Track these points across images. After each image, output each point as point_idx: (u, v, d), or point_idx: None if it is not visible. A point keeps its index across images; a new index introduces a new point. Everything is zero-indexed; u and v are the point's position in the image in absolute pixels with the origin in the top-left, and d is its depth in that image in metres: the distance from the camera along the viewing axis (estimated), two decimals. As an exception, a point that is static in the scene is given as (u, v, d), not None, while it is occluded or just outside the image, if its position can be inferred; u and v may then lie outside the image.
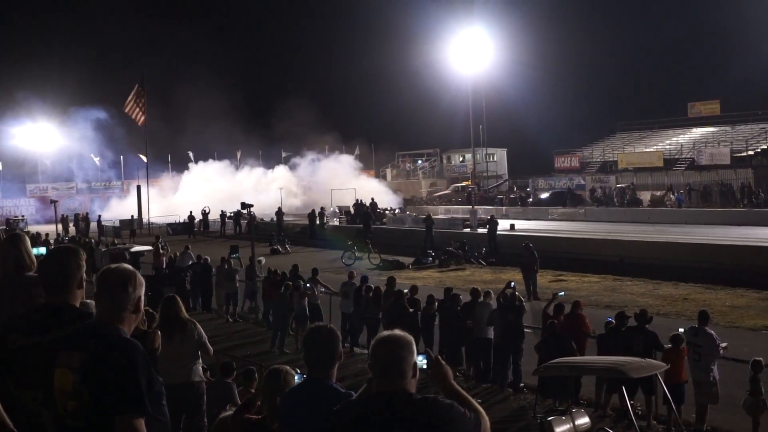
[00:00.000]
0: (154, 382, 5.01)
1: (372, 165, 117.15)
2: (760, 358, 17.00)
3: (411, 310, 23.55)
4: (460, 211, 78.72)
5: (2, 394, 5.53)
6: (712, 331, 18.15)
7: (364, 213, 66.10)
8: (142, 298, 5.32)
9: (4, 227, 67.19)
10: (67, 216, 76.60)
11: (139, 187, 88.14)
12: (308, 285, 28.51)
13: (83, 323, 5.25)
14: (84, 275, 5.73)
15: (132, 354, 4.94)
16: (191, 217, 77.11)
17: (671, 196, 74.61)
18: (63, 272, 5.57)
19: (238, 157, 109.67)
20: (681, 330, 18.38)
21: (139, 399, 4.85)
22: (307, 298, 27.74)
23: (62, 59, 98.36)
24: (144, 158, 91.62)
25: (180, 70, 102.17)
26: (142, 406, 4.86)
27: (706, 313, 18.94)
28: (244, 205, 34.12)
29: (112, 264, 5.49)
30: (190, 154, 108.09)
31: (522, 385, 21.22)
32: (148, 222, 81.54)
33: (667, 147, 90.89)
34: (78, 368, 4.87)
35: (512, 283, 23.65)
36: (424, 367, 5.19)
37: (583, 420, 15.05)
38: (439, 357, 5.31)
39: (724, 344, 18.03)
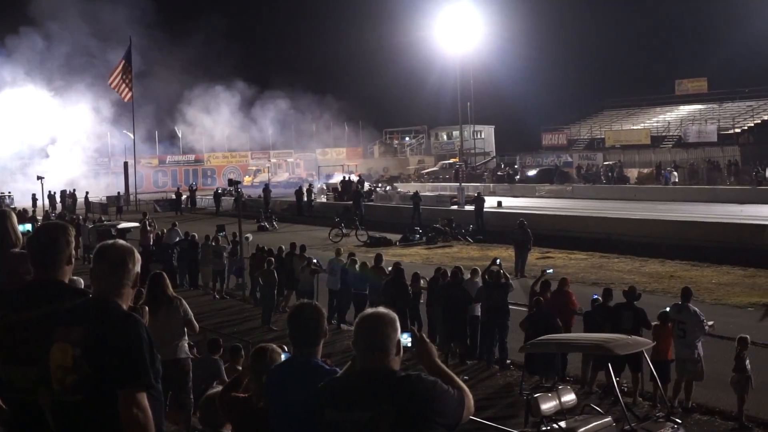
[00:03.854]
0: (155, 359, 5.03)
1: (359, 142, 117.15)
2: (746, 335, 17.10)
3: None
4: (447, 188, 78.68)
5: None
6: (696, 308, 18.25)
7: (355, 191, 66.00)
8: (138, 274, 5.33)
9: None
10: (55, 193, 76.14)
11: (126, 164, 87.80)
12: (315, 261, 28.62)
13: (80, 299, 5.27)
14: (73, 252, 5.73)
15: (136, 327, 4.99)
16: (178, 194, 76.93)
17: (674, 173, 74.24)
18: (52, 248, 5.57)
19: (226, 135, 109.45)
20: (669, 309, 18.48)
21: (144, 372, 4.90)
22: (317, 276, 28.00)
23: (50, 32, 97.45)
24: (131, 135, 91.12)
25: (167, 44, 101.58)
26: (146, 378, 4.91)
27: (689, 289, 19.09)
28: (231, 182, 34.12)
29: (108, 240, 5.49)
30: (178, 131, 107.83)
31: (508, 362, 21.33)
32: (135, 199, 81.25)
33: (655, 124, 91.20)
34: (80, 341, 4.88)
35: (498, 261, 23.67)
36: (409, 345, 5.20)
37: (569, 397, 15.11)
38: (424, 335, 5.33)
39: (710, 322, 18.14)
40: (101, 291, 5.19)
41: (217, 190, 77.83)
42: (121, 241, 5.46)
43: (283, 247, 30.84)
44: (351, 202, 63.10)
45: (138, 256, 5.37)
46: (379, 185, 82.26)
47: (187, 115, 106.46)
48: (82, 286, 6.76)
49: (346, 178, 76.63)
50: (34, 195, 69.70)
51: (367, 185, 74.99)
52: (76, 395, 4.90)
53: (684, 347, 17.65)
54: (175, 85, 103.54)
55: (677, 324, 17.86)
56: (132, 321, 5.02)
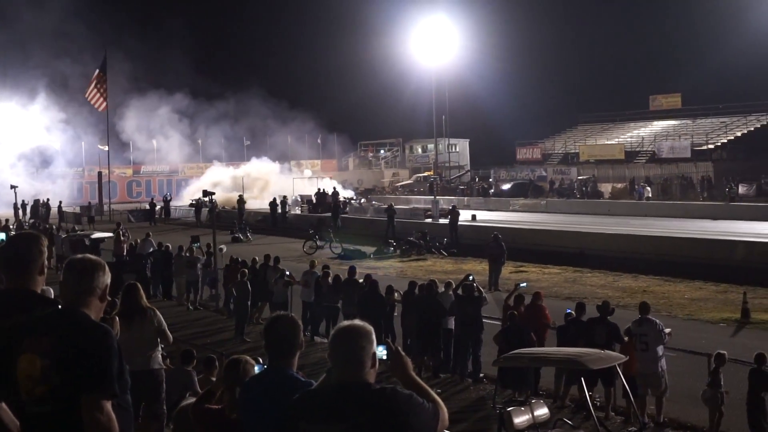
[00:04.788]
0: (124, 371, 5.02)
1: (334, 154, 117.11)
2: (724, 352, 17.12)
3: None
4: (422, 201, 78.85)
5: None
6: (656, 319, 18.32)
7: (335, 204, 66.08)
8: (108, 288, 5.33)
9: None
10: (28, 203, 75.64)
11: (100, 174, 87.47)
12: (288, 273, 28.54)
13: (48, 309, 5.25)
14: (45, 261, 5.72)
15: (106, 337, 4.99)
16: (152, 204, 76.56)
17: (648, 188, 74.43)
18: (25, 258, 5.56)
19: (200, 145, 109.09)
20: (630, 325, 18.52)
21: (109, 379, 4.88)
22: (290, 287, 27.96)
23: (22, 36, 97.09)
24: (104, 148, 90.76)
25: (139, 55, 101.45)
26: (110, 386, 4.89)
27: (646, 303, 19.15)
28: (205, 193, 34.07)
29: (78, 254, 5.49)
30: (154, 143, 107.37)
31: (482, 375, 21.30)
32: (109, 209, 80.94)
33: (629, 140, 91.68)
34: (48, 352, 4.88)
35: (471, 277, 23.62)
36: (384, 357, 5.21)
37: (542, 411, 15.14)
38: (399, 348, 5.34)
39: (667, 330, 18.19)
40: (69, 302, 5.20)
41: (198, 200, 77.24)
42: (91, 255, 5.47)
43: (257, 258, 30.81)
44: (327, 214, 63.22)
45: (107, 269, 5.38)
46: (354, 197, 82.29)
47: (156, 126, 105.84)
48: (53, 296, 6.76)
49: (321, 190, 76.56)
50: (15, 204, 69.21)
51: (342, 197, 74.90)
52: (45, 406, 4.90)
53: (648, 361, 17.62)
54: (145, 94, 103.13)
55: (639, 338, 17.89)
56: (101, 331, 5.02)
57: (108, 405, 4.85)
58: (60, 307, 5.29)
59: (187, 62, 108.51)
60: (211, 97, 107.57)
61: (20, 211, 68.85)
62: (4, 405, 5.22)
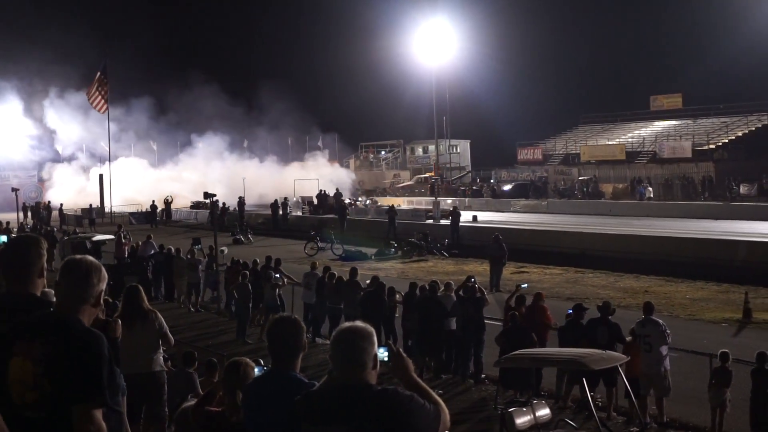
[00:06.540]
0: (115, 375, 5.01)
1: (335, 156, 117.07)
2: (727, 350, 17.07)
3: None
4: (423, 202, 78.90)
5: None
6: (659, 320, 18.26)
7: (340, 206, 66.03)
8: (103, 292, 5.32)
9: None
10: (29, 205, 75.67)
11: (101, 176, 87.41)
12: (278, 276, 28.45)
13: (42, 312, 5.24)
14: (45, 264, 5.71)
15: (96, 345, 4.95)
16: (153, 207, 76.53)
17: (649, 188, 74.60)
18: (24, 261, 5.54)
19: (199, 146, 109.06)
20: (634, 326, 18.49)
21: (99, 389, 4.86)
22: (278, 289, 27.82)
23: (22, 42, 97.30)
24: (105, 146, 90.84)
25: (142, 55, 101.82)
26: (101, 396, 4.87)
27: (650, 303, 19.05)
28: (206, 195, 34.01)
29: (77, 255, 5.47)
30: (154, 146, 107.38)
31: (483, 376, 21.26)
32: (110, 211, 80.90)
33: (630, 140, 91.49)
34: (39, 358, 4.87)
35: (473, 279, 23.59)
36: (386, 359, 5.21)
37: (544, 411, 15.11)
38: (400, 349, 5.34)
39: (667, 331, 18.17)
40: (61, 305, 5.21)
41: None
42: (89, 257, 5.46)
43: (258, 260, 30.75)
44: (332, 216, 63.27)
45: (104, 273, 5.38)
46: (360, 199, 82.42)
47: (160, 125, 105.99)
48: (54, 299, 6.76)
49: (323, 192, 76.60)
50: (24, 204, 69.32)
51: (349, 199, 75.00)
52: (39, 412, 4.90)
53: (651, 362, 17.58)
54: (146, 93, 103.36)
55: (642, 338, 17.85)
56: (93, 338, 5.00)
57: (99, 414, 4.85)
58: (52, 310, 5.29)
59: (188, 59, 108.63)
60: (210, 96, 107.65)
61: (21, 214, 68.84)
62: None
